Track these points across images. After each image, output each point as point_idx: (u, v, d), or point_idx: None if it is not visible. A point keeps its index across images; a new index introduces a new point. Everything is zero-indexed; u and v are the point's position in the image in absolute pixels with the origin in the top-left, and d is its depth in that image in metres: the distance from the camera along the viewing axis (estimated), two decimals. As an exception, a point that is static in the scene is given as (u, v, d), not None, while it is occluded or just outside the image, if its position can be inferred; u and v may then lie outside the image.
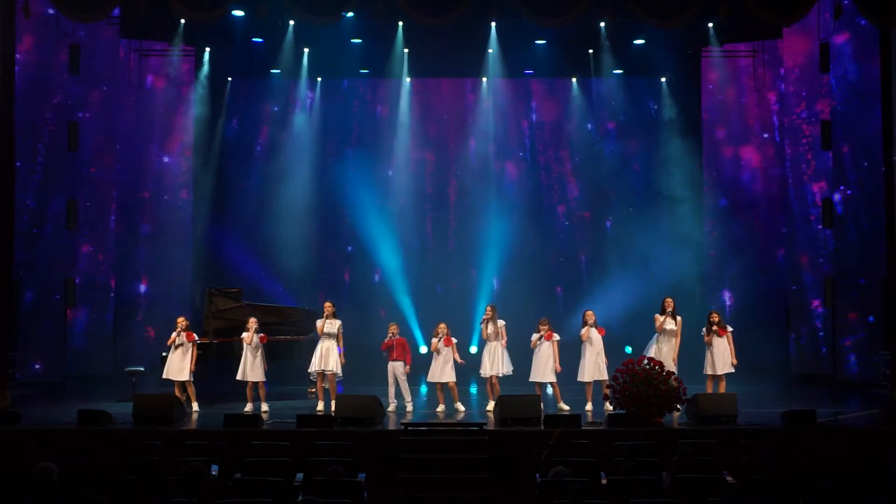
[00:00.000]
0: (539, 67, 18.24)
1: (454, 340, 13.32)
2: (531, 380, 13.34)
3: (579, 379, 13.37)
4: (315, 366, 13.36)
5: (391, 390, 13.30)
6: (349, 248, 18.99)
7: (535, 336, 13.35)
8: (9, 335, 14.13)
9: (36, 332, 15.74)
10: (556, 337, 13.34)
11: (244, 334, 13.34)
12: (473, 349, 16.12)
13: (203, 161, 18.48)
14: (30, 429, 11.62)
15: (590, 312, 13.53)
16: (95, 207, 16.99)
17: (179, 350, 13.27)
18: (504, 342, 13.36)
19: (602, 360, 13.24)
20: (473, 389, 15.19)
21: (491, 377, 13.30)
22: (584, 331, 13.37)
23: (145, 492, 8.11)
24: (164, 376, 13.44)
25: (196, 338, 13.41)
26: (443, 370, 13.19)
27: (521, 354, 13.79)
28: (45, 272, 15.95)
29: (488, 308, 13.55)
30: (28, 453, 8.95)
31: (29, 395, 14.64)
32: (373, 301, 18.37)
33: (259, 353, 13.30)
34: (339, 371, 13.41)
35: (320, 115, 18.84)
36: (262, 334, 13.35)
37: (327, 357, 13.27)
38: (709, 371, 13.28)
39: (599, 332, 13.38)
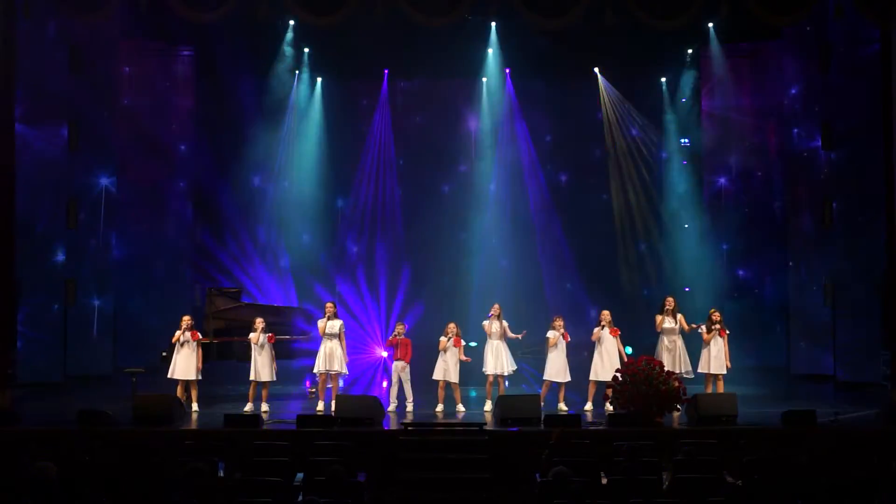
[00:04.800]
0: (539, 67, 18.23)
1: (463, 342, 13.33)
2: (546, 378, 13.33)
3: (591, 378, 13.38)
4: (319, 366, 13.37)
5: (394, 389, 13.30)
6: (350, 247, 18.98)
7: (551, 333, 13.32)
8: (9, 335, 14.14)
9: (36, 332, 15.72)
10: (568, 338, 13.37)
11: (251, 334, 13.36)
12: (472, 343, 16.04)
13: (203, 160, 18.47)
14: (30, 429, 11.62)
15: (605, 313, 13.52)
16: (96, 207, 16.98)
17: (185, 349, 13.27)
18: (504, 338, 13.39)
19: (615, 362, 13.16)
20: (473, 393, 15.15)
21: (497, 376, 13.30)
22: (595, 331, 13.38)
23: (145, 492, 8.11)
24: (169, 375, 13.42)
25: (201, 336, 13.42)
26: (448, 369, 13.18)
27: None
28: (45, 272, 15.93)
29: (495, 306, 13.57)
30: (27, 453, 8.94)
31: (29, 395, 14.63)
32: (371, 301, 18.36)
33: (266, 352, 13.31)
34: (345, 370, 13.43)
35: (320, 114, 18.82)
36: (269, 334, 13.36)
37: (331, 357, 13.28)
38: (703, 370, 13.28)
39: (613, 334, 13.35)
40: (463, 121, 18.99)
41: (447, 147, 19.00)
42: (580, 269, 18.63)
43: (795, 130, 17.07)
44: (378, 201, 18.83)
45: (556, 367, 13.26)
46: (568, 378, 13.29)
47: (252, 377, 13.32)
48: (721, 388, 13.15)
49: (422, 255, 18.68)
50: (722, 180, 18.27)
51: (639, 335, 15.12)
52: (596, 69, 18.51)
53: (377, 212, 18.84)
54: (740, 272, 18.13)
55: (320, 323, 13.45)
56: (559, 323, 13.35)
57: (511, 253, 18.57)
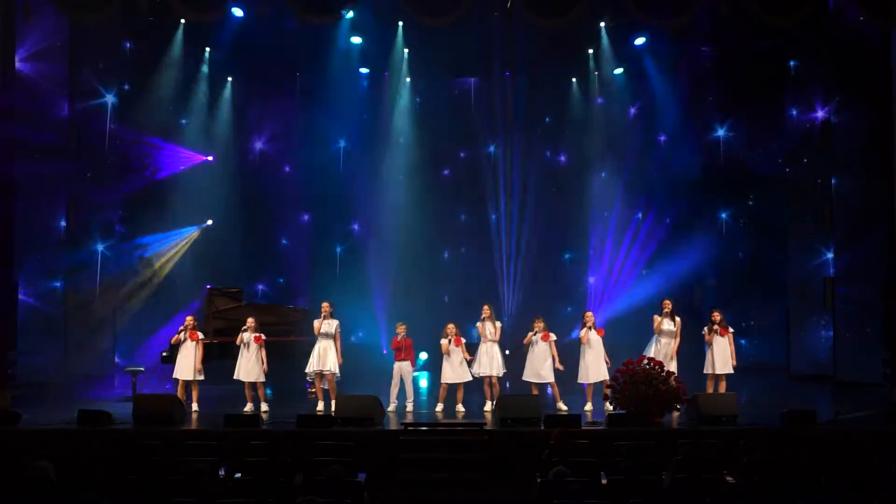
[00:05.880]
0: (539, 67, 18.24)
1: (463, 340, 13.31)
2: (525, 379, 13.32)
3: (580, 381, 13.35)
4: (313, 366, 13.34)
5: (394, 390, 13.28)
6: (347, 246, 19.01)
7: (529, 334, 13.32)
8: (9, 335, 14.13)
9: (36, 332, 15.72)
10: (553, 336, 13.31)
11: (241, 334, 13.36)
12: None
13: (205, 156, 18.50)
14: (30, 429, 11.61)
15: (589, 314, 13.51)
16: (96, 207, 16.97)
17: (184, 349, 13.26)
18: (496, 339, 13.37)
19: (603, 362, 13.19)
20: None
21: (491, 377, 13.29)
22: (582, 332, 13.34)
23: (145, 492, 8.10)
24: (174, 375, 13.42)
25: (200, 336, 13.38)
26: (459, 370, 13.16)
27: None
28: (45, 271, 15.93)
29: (485, 307, 13.55)
30: (26, 453, 8.93)
31: (29, 395, 14.63)
32: (371, 300, 18.36)
33: (255, 353, 13.27)
34: (338, 371, 13.40)
35: (320, 114, 18.81)
36: (257, 335, 13.32)
37: (325, 357, 13.26)
38: (709, 370, 13.27)
39: (599, 334, 13.35)
40: (462, 120, 18.94)
41: (447, 146, 18.99)
42: (582, 269, 18.72)
43: (797, 130, 17.06)
44: (375, 200, 18.84)
45: (532, 368, 13.23)
46: (550, 378, 13.25)
47: (235, 376, 13.29)
48: (723, 388, 13.14)
49: (420, 254, 18.66)
50: (722, 180, 18.26)
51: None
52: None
53: (375, 210, 18.84)
54: (740, 272, 18.12)
55: (316, 322, 13.42)
56: (540, 325, 13.32)
57: (511, 253, 18.59)
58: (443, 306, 18.28)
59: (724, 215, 18.32)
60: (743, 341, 16.96)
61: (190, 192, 18.18)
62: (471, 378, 13.19)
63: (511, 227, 18.65)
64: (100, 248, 16.85)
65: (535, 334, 13.24)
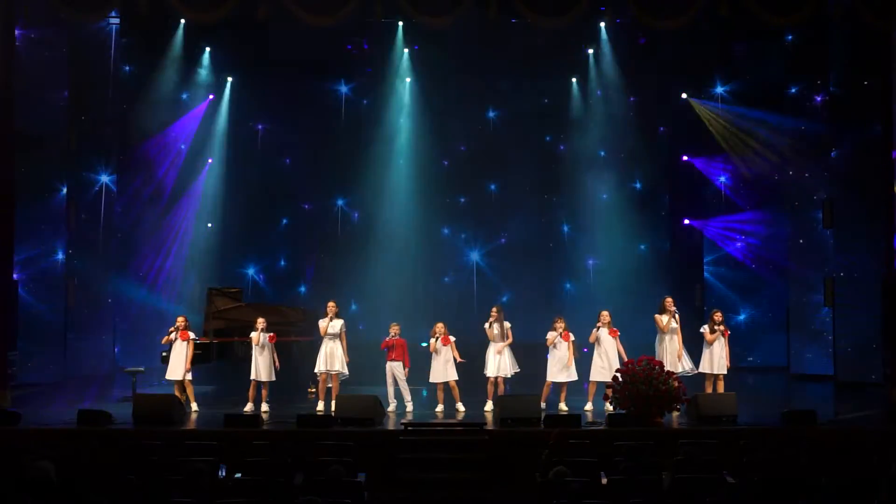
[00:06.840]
0: (539, 67, 18.24)
1: (452, 339, 13.31)
2: (550, 379, 13.30)
3: (591, 378, 13.35)
4: (321, 366, 13.36)
5: (390, 390, 13.30)
6: (349, 247, 19.00)
7: (551, 334, 13.31)
8: (9, 335, 14.13)
9: (36, 332, 15.72)
10: (572, 337, 13.31)
11: (252, 334, 13.34)
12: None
13: (203, 159, 18.48)
14: (30, 429, 11.62)
15: (604, 313, 13.48)
16: (95, 206, 16.98)
17: (175, 349, 13.25)
18: (509, 342, 13.36)
19: (614, 362, 13.15)
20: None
21: (497, 378, 13.30)
22: (593, 332, 13.35)
23: (145, 492, 8.10)
24: (165, 376, 13.43)
25: (191, 336, 13.35)
26: (444, 370, 13.18)
27: (527, 354, 13.83)
28: (45, 271, 15.93)
29: (494, 309, 13.55)
30: (27, 453, 8.93)
31: (29, 395, 14.62)
32: (373, 300, 18.35)
33: (267, 352, 13.29)
34: (346, 371, 13.42)
35: (321, 114, 18.81)
36: (270, 334, 13.35)
37: (332, 357, 13.28)
38: (706, 369, 13.26)
39: (612, 334, 13.34)
40: (463, 120, 18.91)
41: (447, 146, 18.97)
42: (584, 269, 18.77)
43: (797, 130, 17.06)
44: (376, 201, 18.84)
45: (556, 368, 13.25)
46: (572, 378, 13.26)
47: (253, 376, 13.31)
48: (721, 387, 13.14)
49: (420, 254, 18.67)
50: (723, 179, 18.27)
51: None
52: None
53: (376, 210, 18.84)
54: (741, 271, 18.12)
55: (322, 323, 13.44)
56: (560, 325, 13.32)
57: (513, 253, 18.61)
58: (441, 290, 18.36)
59: (724, 211, 18.33)
60: (742, 340, 16.93)
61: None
62: (455, 378, 13.17)
63: (509, 211, 18.70)
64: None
65: (557, 334, 13.23)
